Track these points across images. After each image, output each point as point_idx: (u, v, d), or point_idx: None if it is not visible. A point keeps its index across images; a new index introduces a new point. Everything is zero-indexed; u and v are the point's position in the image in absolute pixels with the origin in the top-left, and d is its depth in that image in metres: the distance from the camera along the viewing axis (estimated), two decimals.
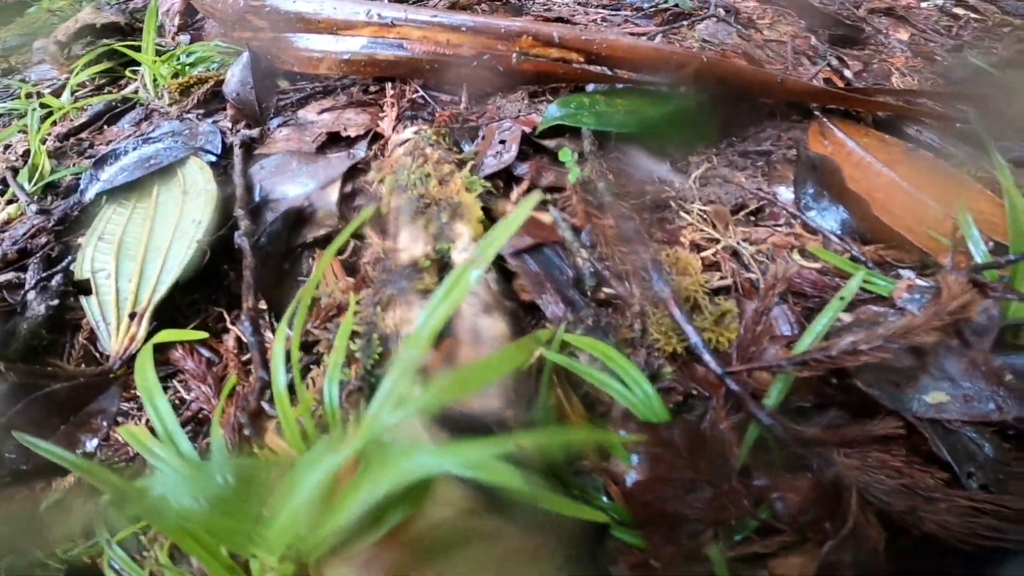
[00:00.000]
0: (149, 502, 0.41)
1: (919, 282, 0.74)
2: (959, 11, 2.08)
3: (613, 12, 1.61)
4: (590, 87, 1.18)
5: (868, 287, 0.78)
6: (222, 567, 0.45)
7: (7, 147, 1.36)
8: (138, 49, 1.47)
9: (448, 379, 0.38)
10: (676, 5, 1.60)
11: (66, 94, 1.47)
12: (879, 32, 1.77)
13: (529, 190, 0.98)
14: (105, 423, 0.78)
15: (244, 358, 0.82)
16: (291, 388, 0.64)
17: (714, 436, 0.60)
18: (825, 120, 1.07)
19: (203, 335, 0.78)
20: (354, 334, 0.66)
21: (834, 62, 1.39)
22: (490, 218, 0.88)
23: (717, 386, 0.67)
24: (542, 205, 0.93)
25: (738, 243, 0.87)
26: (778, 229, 0.94)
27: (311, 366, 0.74)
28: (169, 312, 0.89)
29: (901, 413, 0.68)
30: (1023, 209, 0.72)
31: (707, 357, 0.63)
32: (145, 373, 0.58)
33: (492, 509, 0.50)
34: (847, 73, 1.36)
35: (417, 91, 1.26)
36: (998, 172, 0.80)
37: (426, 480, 0.43)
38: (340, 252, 0.88)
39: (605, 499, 0.61)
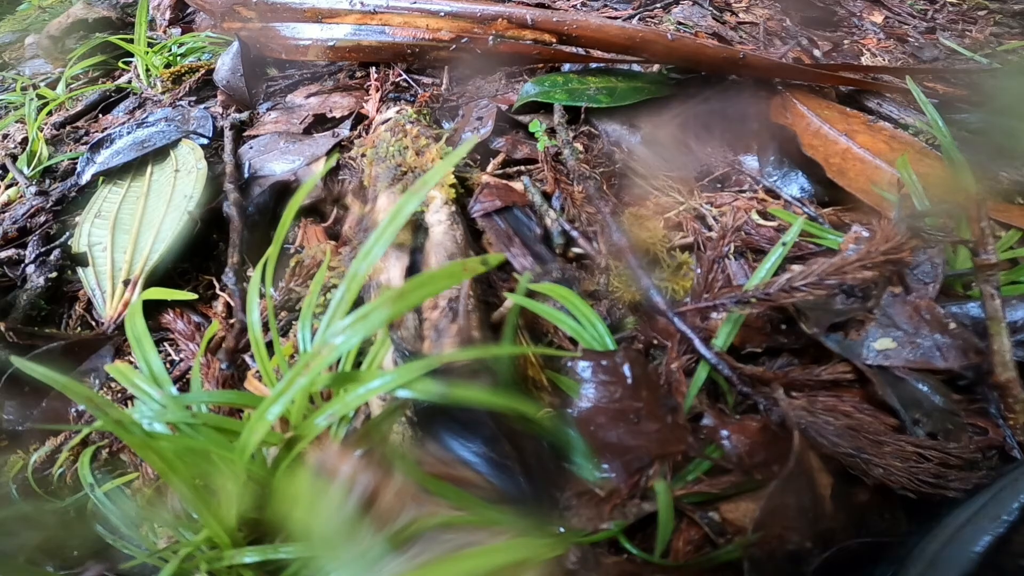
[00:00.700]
0: (117, 415, 0.45)
1: (865, 234, 0.78)
2: None
3: None
4: (565, 67, 1.23)
5: (820, 242, 0.82)
6: (189, 489, 0.49)
7: (5, 136, 1.40)
8: (131, 42, 1.51)
9: (395, 290, 0.42)
10: None
11: (61, 86, 1.51)
12: (853, 15, 1.81)
13: (504, 163, 1.03)
14: (98, 381, 0.82)
15: (231, 321, 0.86)
16: (271, 345, 0.68)
17: (663, 374, 0.65)
18: (787, 94, 1.12)
19: (192, 296, 0.82)
20: (333, 287, 0.70)
21: (804, 42, 1.43)
22: (465, 187, 0.93)
23: (674, 334, 0.72)
24: (516, 175, 0.98)
25: (701, 206, 0.92)
26: (742, 194, 0.98)
27: (293, 322, 0.79)
28: (162, 281, 0.93)
29: (849, 359, 0.72)
30: (961, 163, 0.77)
31: (657, 298, 0.67)
32: (135, 323, 0.62)
33: (436, 438, 0.54)
34: (816, 52, 1.40)
35: (400, 75, 1.31)
36: (936, 132, 0.84)
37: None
38: (323, 220, 0.93)
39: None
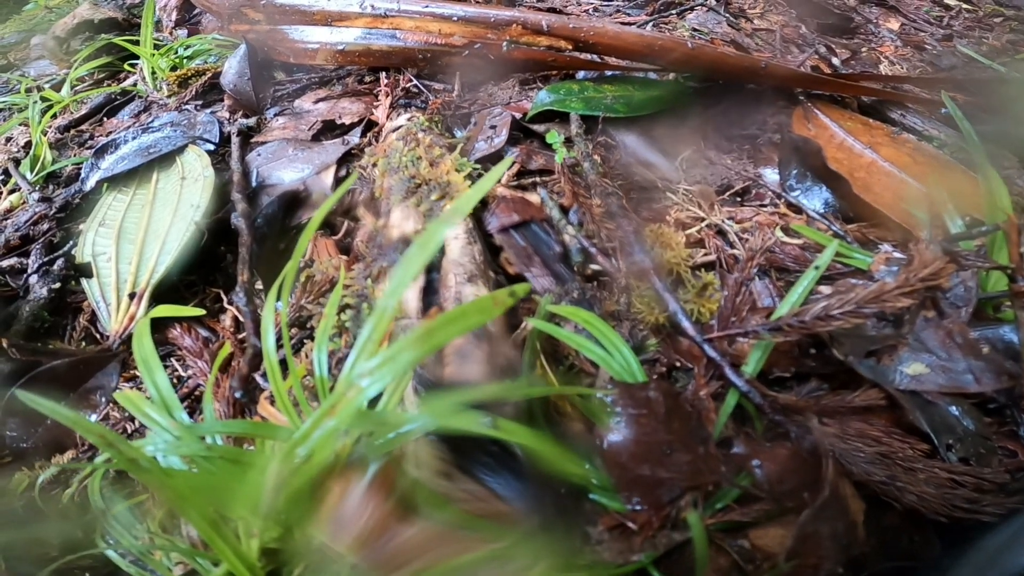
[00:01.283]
0: (130, 452, 0.43)
1: (896, 255, 0.76)
2: (951, 1, 2.09)
3: (605, 2, 1.63)
4: (580, 74, 1.20)
5: (848, 261, 0.80)
6: (207, 524, 0.47)
7: (8, 139, 1.38)
8: (136, 43, 1.49)
9: (422, 329, 0.40)
10: None
11: (66, 88, 1.49)
12: (869, 22, 1.79)
13: (519, 174, 1.00)
14: (104, 399, 0.80)
15: (240, 336, 0.84)
16: (283, 363, 0.66)
17: (693, 402, 0.62)
18: (809, 105, 1.09)
19: (200, 312, 0.80)
20: (346, 307, 0.68)
21: (822, 50, 1.41)
22: (480, 200, 0.90)
23: (699, 357, 0.69)
24: (531, 186, 0.95)
25: (723, 221, 0.89)
26: (763, 209, 0.96)
27: (305, 340, 0.76)
28: (168, 294, 0.91)
29: (881, 384, 0.70)
30: (997, 182, 0.74)
31: (685, 323, 0.65)
32: (143, 343, 0.60)
33: (468, 473, 0.52)
34: (835, 61, 1.38)
35: (411, 80, 1.28)
36: (971, 148, 0.82)
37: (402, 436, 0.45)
38: (334, 233, 0.90)
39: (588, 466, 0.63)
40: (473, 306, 0.43)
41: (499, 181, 0.91)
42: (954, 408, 0.72)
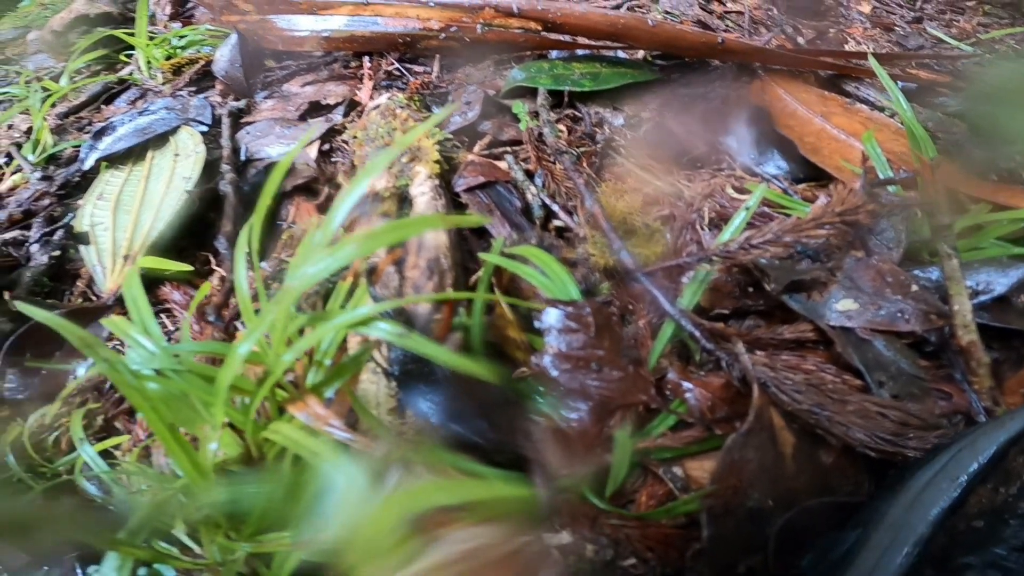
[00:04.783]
0: (108, 356, 0.48)
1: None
2: None
3: None
4: (553, 54, 1.27)
5: (791, 212, 0.86)
6: (167, 431, 0.52)
7: (10, 126, 1.45)
8: (132, 35, 1.56)
9: (369, 231, 0.46)
10: None
11: (64, 78, 1.56)
12: (840, 4, 1.84)
13: (491, 144, 1.06)
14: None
15: (212, 295, 0.90)
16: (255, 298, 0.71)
17: (630, 329, 0.68)
18: (767, 78, 1.15)
19: (187, 267, 0.86)
20: None
21: (789, 30, 1.47)
22: (451, 166, 0.97)
23: (644, 296, 0.75)
24: (501, 155, 1.01)
25: (678, 182, 0.95)
26: (720, 172, 1.02)
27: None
28: (160, 256, 0.97)
29: (812, 319, 0.75)
30: (920, 136, 0.80)
31: (626, 259, 0.71)
32: (132, 285, 0.66)
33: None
34: (799, 40, 1.44)
35: (393, 64, 1.34)
36: (897, 109, 0.87)
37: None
38: (315, 197, 0.97)
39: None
40: (420, 219, 0.49)
41: (474, 152, 0.97)
42: (887, 348, 0.76)
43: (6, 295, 0.86)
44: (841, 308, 0.76)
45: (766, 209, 0.90)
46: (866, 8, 1.89)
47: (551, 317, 0.60)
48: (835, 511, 0.64)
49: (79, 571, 0.71)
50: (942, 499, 0.59)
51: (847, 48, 1.56)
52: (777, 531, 0.60)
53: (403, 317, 0.62)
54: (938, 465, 0.63)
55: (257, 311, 0.68)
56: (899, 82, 1.27)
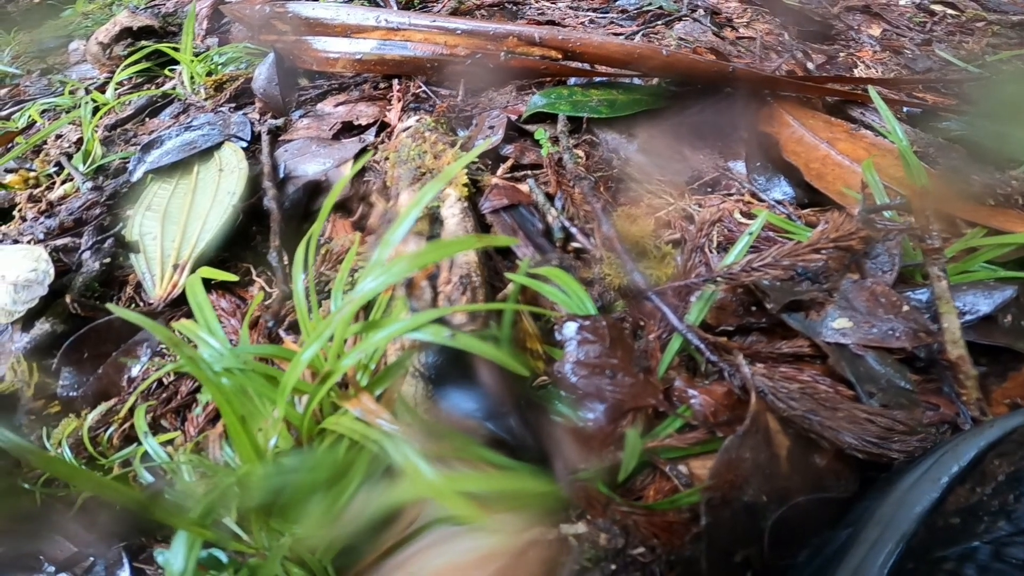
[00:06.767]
0: (191, 354, 0.56)
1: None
2: (936, 8, 2.19)
3: (601, 15, 1.77)
4: (571, 81, 1.34)
5: (793, 236, 0.92)
6: (236, 420, 0.59)
7: (59, 136, 1.54)
8: (176, 50, 1.65)
9: (415, 252, 0.53)
10: (660, 7, 1.76)
11: (110, 90, 1.65)
12: (851, 28, 1.90)
13: (513, 167, 1.14)
14: (149, 350, 0.95)
15: (267, 302, 0.98)
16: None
17: (646, 348, 0.75)
18: (775, 104, 1.22)
19: (234, 277, 0.94)
20: (361, 269, 0.82)
21: (799, 55, 1.53)
22: (477, 188, 1.04)
23: (656, 313, 0.82)
24: (522, 178, 1.09)
25: (689, 206, 1.02)
26: (729, 197, 1.08)
27: (322, 301, 0.90)
28: (207, 266, 1.05)
29: (809, 336, 0.82)
30: (914, 165, 0.86)
31: (638, 279, 0.77)
32: (195, 291, 0.74)
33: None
34: (809, 65, 1.50)
35: (420, 87, 1.42)
36: (891, 137, 0.94)
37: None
38: (351, 215, 1.04)
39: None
40: (458, 240, 0.56)
41: (497, 176, 1.05)
42: (879, 364, 0.82)
43: (67, 298, 0.94)
44: (836, 326, 0.82)
45: (771, 233, 0.96)
46: (876, 31, 1.95)
47: (570, 330, 0.67)
48: (828, 510, 0.69)
49: (126, 561, 0.78)
50: (925, 499, 0.64)
51: (857, 71, 1.62)
52: (772, 524, 0.66)
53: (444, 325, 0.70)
54: (923, 468, 0.68)
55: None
56: (905, 108, 1.33)
